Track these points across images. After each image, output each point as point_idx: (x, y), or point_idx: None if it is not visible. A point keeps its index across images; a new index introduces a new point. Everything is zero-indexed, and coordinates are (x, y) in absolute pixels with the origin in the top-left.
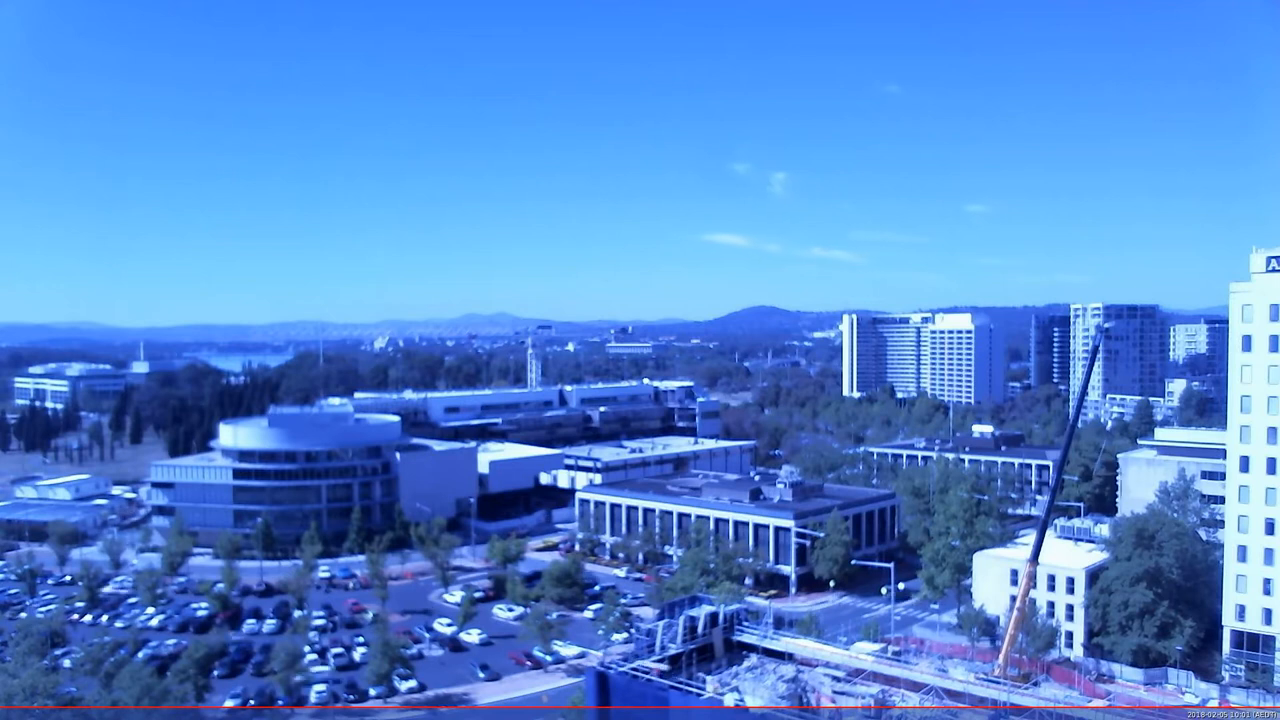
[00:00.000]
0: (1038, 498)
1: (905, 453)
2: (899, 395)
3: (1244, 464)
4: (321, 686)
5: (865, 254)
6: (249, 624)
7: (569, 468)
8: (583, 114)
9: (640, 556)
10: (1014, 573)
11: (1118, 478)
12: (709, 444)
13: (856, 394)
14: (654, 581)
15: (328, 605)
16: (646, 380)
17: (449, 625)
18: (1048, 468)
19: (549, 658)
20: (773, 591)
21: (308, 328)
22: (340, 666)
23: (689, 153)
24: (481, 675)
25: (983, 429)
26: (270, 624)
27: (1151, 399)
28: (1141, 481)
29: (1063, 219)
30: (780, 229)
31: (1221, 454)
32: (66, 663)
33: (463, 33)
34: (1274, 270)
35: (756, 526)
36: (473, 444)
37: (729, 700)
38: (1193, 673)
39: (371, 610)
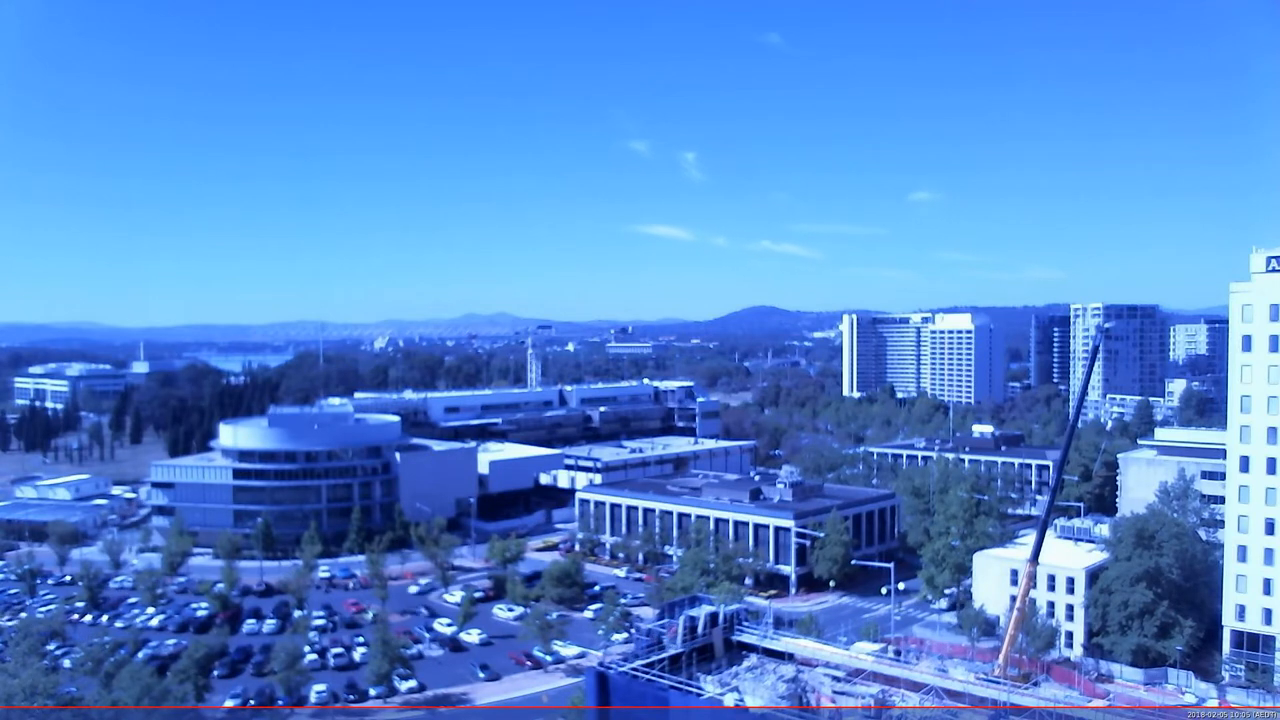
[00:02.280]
0: (1038, 498)
1: (905, 453)
2: (899, 395)
3: (1244, 464)
4: (321, 686)
5: (821, 248)
6: (249, 624)
7: (569, 468)
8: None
9: (640, 556)
10: (1014, 573)
11: (1118, 478)
12: (709, 444)
13: (856, 394)
14: (654, 581)
15: (328, 605)
16: (646, 380)
17: (449, 625)
18: (1048, 468)
19: (549, 658)
20: (773, 591)
21: (308, 328)
22: (340, 666)
23: (586, 136)
24: (481, 675)
25: (983, 429)
26: (270, 624)
27: (1151, 399)
28: (1141, 481)
29: (1063, 219)
30: (721, 221)
31: (1221, 454)
32: (66, 663)
33: (462, 33)
34: (1274, 270)
35: (756, 526)
36: (473, 444)
37: (729, 700)
38: (1193, 673)
39: (371, 610)
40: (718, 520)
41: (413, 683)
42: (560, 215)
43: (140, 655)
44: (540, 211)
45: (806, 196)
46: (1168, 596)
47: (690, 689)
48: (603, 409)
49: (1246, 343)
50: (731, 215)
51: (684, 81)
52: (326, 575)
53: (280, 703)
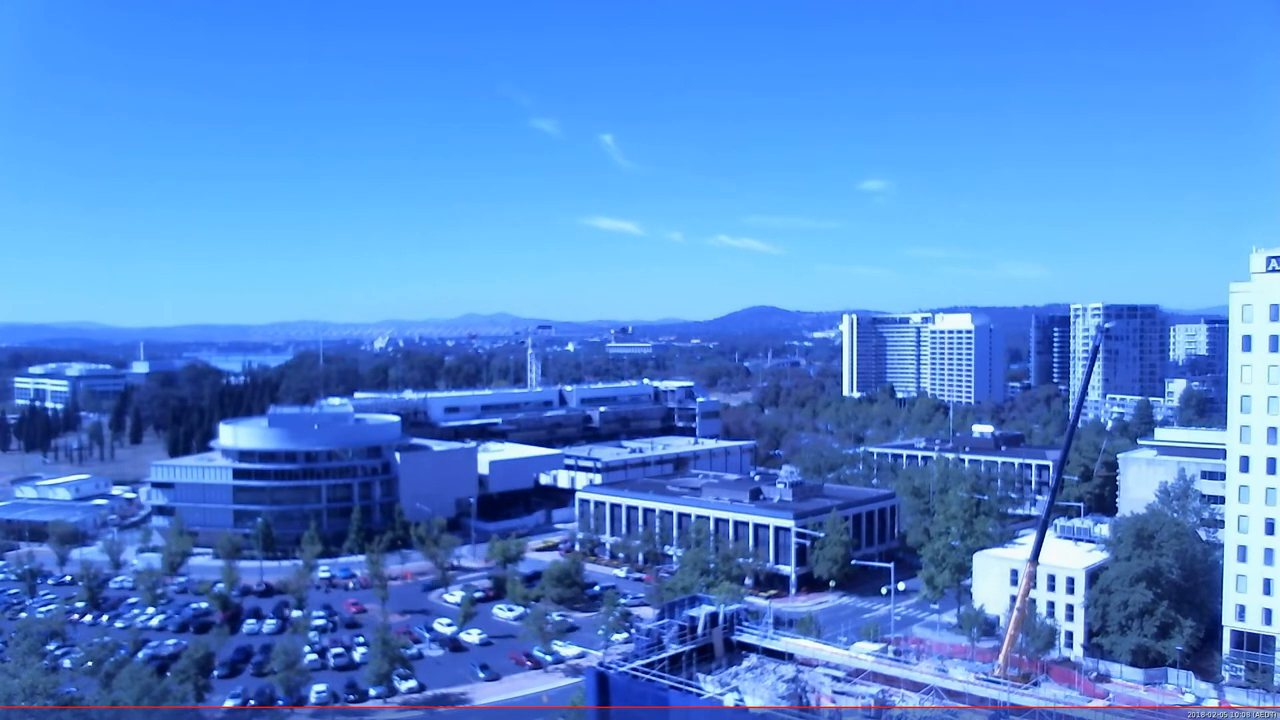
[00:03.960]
0: (1038, 498)
1: (905, 453)
2: (899, 395)
3: (1244, 464)
4: (321, 686)
5: (782, 243)
6: (249, 624)
7: (569, 468)
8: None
9: (640, 556)
10: (1014, 573)
11: (1118, 478)
12: (709, 444)
13: (856, 394)
14: (654, 581)
15: (328, 605)
16: (646, 380)
17: (449, 625)
18: (1048, 468)
19: (549, 658)
20: (773, 591)
21: (308, 328)
22: (340, 666)
23: (484, 116)
24: (481, 675)
25: (983, 429)
26: (270, 624)
27: (1151, 399)
28: (1141, 481)
29: (1057, 218)
30: (667, 214)
31: (1221, 454)
32: (66, 663)
33: (459, 35)
34: (1274, 270)
35: (756, 526)
36: (473, 444)
37: (729, 700)
38: (1193, 673)
39: (371, 610)
40: (718, 520)
41: (412, 683)
42: (494, 207)
43: (140, 655)
44: (474, 204)
45: (751, 185)
46: (1168, 596)
47: (690, 689)
48: (603, 409)
49: (1246, 343)
50: (677, 207)
51: (574, 47)
52: (326, 575)
53: (280, 703)
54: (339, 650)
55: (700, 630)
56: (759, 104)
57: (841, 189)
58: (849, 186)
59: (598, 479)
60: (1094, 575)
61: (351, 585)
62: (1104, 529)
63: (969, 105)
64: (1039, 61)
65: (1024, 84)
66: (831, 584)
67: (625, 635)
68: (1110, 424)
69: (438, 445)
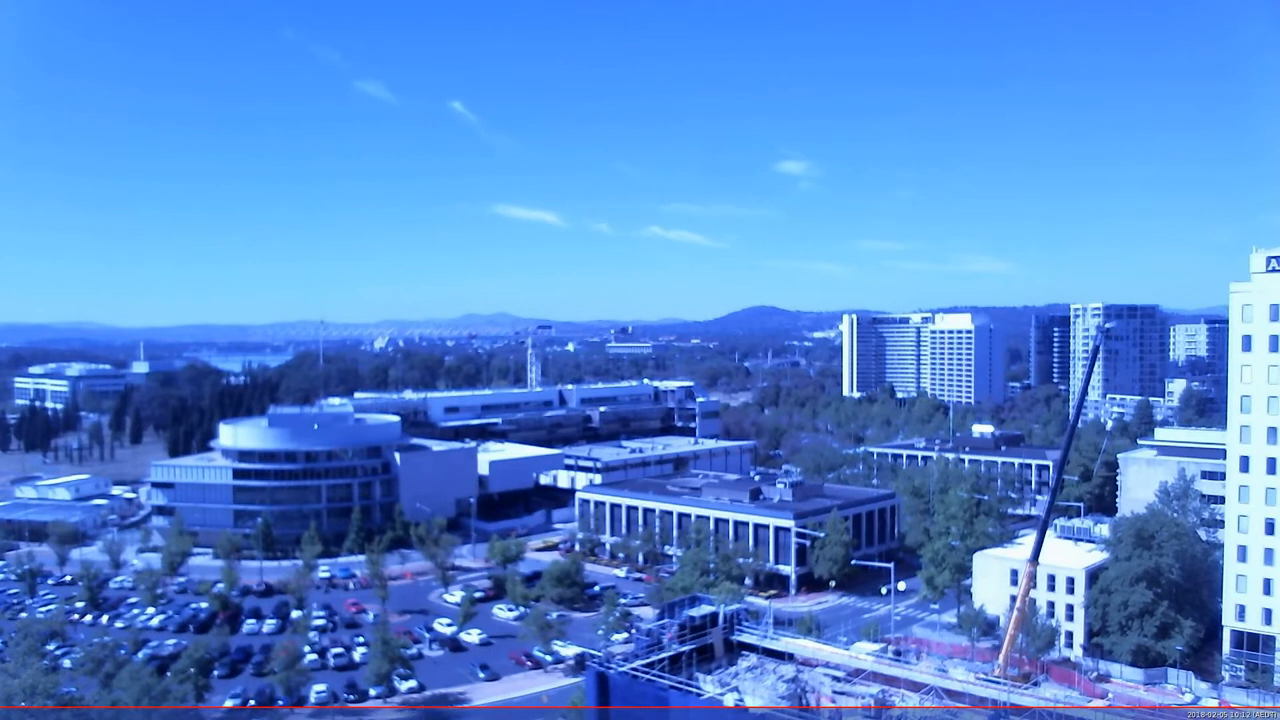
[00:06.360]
0: (1038, 498)
1: (905, 453)
2: (899, 395)
3: (1244, 464)
4: (321, 686)
5: (718, 236)
6: (249, 624)
7: (569, 468)
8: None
9: (640, 556)
10: (1014, 573)
11: (1118, 478)
12: (709, 444)
13: (856, 394)
14: (654, 581)
15: (328, 605)
16: (646, 380)
17: (449, 625)
18: (1048, 468)
19: (549, 658)
20: (773, 591)
21: (308, 328)
22: (340, 666)
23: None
24: (481, 675)
25: (983, 429)
26: (270, 624)
27: (1151, 399)
28: (1141, 481)
29: (1063, 218)
30: (580, 201)
31: (1221, 454)
32: (66, 663)
33: (459, 35)
34: (1274, 270)
35: (756, 526)
36: (473, 444)
37: (729, 700)
38: (1193, 673)
39: (371, 610)
40: (718, 520)
41: (412, 683)
42: (390, 194)
43: (140, 655)
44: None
45: (659, 170)
46: (1168, 596)
47: (690, 689)
48: (603, 409)
49: (1246, 343)
50: (591, 194)
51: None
52: (326, 575)
53: (280, 703)
54: (339, 650)
55: (700, 630)
56: (659, 85)
57: (758, 171)
58: (765, 167)
59: (598, 479)
60: (1094, 575)
61: (351, 585)
62: (1104, 529)
63: (951, 105)
64: (1034, 59)
65: (1017, 81)
66: (831, 584)
67: (625, 635)
68: (1110, 424)
69: (438, 445)
